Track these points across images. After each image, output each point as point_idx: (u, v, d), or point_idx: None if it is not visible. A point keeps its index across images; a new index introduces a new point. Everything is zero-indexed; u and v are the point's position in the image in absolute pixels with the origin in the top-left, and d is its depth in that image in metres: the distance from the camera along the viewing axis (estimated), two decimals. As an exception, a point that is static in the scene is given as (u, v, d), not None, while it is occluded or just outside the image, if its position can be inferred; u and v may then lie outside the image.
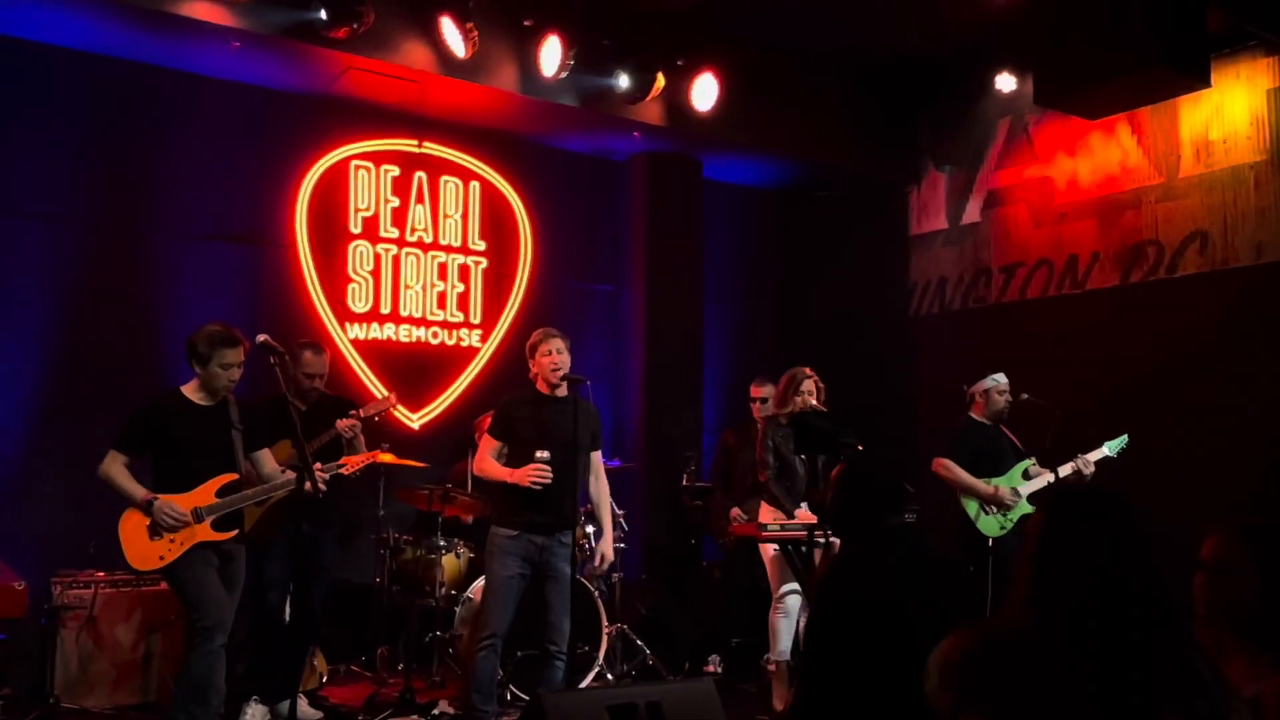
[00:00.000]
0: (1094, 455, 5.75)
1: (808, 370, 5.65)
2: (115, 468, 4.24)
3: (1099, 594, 1.76)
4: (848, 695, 2.78)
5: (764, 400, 6.39)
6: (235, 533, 4.33)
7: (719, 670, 6.36)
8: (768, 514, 5.50)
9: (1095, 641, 1.73)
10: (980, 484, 5.67)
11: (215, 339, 4.26)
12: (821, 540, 5.21)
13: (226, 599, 4.27)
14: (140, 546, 4.18)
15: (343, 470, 4.72)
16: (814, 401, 5.58)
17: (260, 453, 4.51)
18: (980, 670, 1.78)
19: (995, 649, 1.79)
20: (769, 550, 5.51)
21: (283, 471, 4.55)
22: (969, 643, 1.82)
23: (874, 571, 2.92)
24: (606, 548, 5.02)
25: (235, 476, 4.34)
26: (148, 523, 4.18)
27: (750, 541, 5.62)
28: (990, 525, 5.68)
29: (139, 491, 4.20)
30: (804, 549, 5.16)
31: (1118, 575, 1.77)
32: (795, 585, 5.41)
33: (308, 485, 4.17)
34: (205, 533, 4.23)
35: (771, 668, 5.53)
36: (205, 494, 4.25)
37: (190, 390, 4.35)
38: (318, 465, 4.44)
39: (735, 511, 6.24)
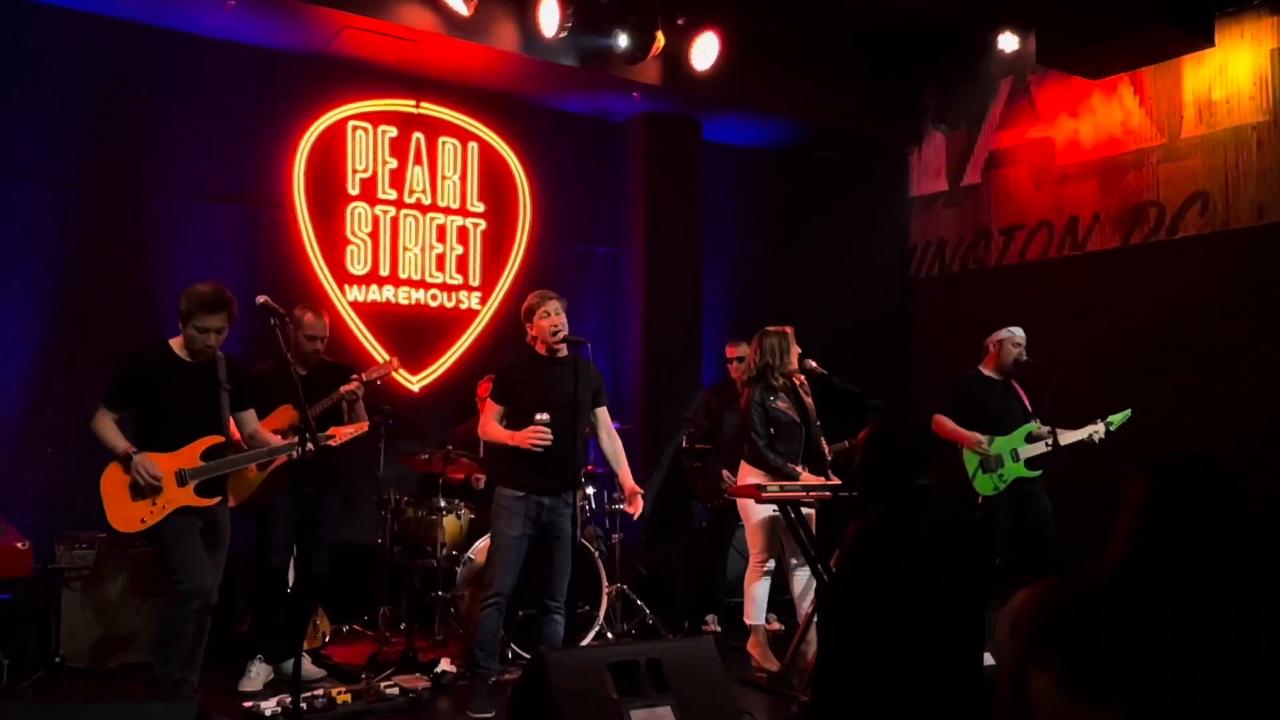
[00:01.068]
0: (1088, 430, 5.73)
1: (786, 329, 5.61)
2: (104, 423, 4.19)
3: (1197, 558, 1.79)
4: (880, 656, 2.81)
5: (741, 360, 6.48)
6: (218, 500, 4.28)
7: (718, 629, 6.43)
8: (757, 478, 5.42)
9: (1185, 603, 1.76)
10: (971, 435, 5.68)
11: (195, 301, 4.17)
12: (813, 502, 5.25)
13: (208, 564, 4.23)
14: (122, 507, 4.14)
15: (330, 442, 4.62)
16: (813, 363, 5.59)
17: (245, 413, 4.44)
18: (1054, 623, 1.80)
19: (1073, 603, 1.82)
20: (753, 516, 5.50)
21: (285, 436, 4.55)
22: (1045, 595, 1.85)
23: (907, 533, 2.94)
24: (636, 496, 4.91)
25: (220, 439, 4.29)
26: (129, 481, 4.13)
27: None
28: (985, 484, 5.72)
29: (121, 444, 4.16)
30: (800, 510, 5.18)
31: (1217, 542, 1.80)
32: (773, 559, 5.47)
33: (308, 448, 4.14)
34: (188, 497, 4.18)
35: (755, 635, 5.57)
36: (190, 456, 4.20)
37: (178, 345, 4.29)
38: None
39: (726, 474, 6.25)
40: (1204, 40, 6.23)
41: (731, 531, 6.53)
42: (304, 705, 4.12)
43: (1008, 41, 7.25)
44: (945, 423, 5.76)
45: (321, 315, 5.25)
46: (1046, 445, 5.71)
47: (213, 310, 4.17)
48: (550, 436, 4.61)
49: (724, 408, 6.62)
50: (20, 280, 5.81)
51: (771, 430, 5.43)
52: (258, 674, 5.04)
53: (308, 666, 5.11)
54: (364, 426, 4.87)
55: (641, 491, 4.99)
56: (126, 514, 4.15)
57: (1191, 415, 6.25)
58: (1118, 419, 5.78)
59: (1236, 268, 6.35)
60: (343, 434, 4.71)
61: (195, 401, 4.26)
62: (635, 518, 5.08)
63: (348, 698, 4.58)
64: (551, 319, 4.75)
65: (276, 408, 4.83)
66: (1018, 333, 5.88)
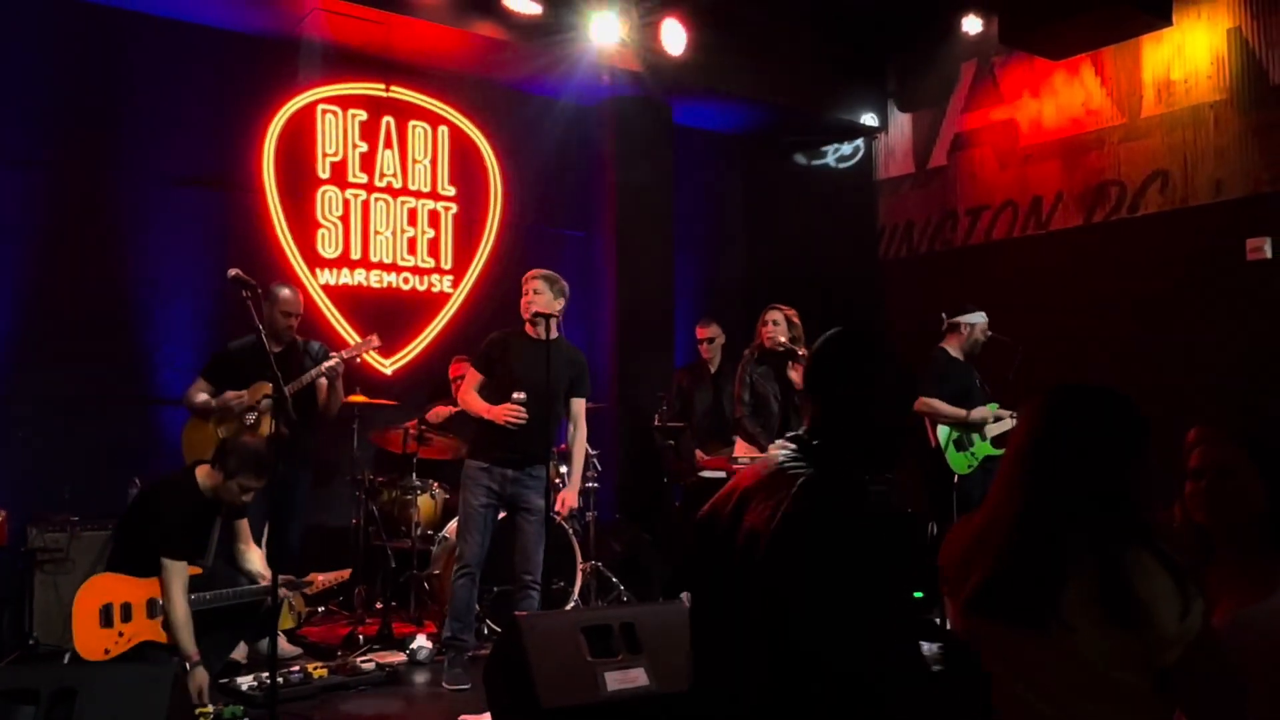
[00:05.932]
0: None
1: (778, 305, 5.75)
2: (179, 609, 4.10)
3: (1088, 488, 1.77)
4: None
5: (712, 341, 6.71)
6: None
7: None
8: (743, 450, 5.56)
9: (1073, 535, 1.75)
10: (959, 412, 5.74)
11: (249, 460, 4.21)
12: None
13: None
14: (90, 632, 4.03)
15: (308, 590, 4.65)
16: (782, 338, 5.66)
17: (237, 523, 4.46)
18: (956, 556, 1.86)
19: (970, 536, 1.87)
20: None
21: (259, 409, 4.54)
22: (951, 533, 1.94)
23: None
24: (570, 495, 5.03)
25: (198, 571, 4.23)
26: (101, 605, 4.09)
27: (716, 481, 5.70)
28: (959, 461, 5.78)
29: (191, 647, 4.05)
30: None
31: (1109, 472, 1.78)
32: None
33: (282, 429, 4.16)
34: (155, 631, 4.09)
35: None
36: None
37: (202, 479, 4.32)
38: None
39: (699, 453, 6.32)
40: (1162, 20, 6.35)
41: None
42: (280, 680, 4.14)
43: (971, 24, 7.36)
44: (932, 404, 5.76)
45: (296, 291, 5.30)
46: (1012, 419, 5.79)
47: (261, 475, 4.20)
48: (525, 416, 4.64)
49: (695, 387, 6.69)
50: (-11, 264, 5.78)
51: (752, 401, 5.55)
52: (236, 653, 5.04)
53: (284, 645, 5.11)
54: (344, 576, 4.81)
55: (574, 506, 5.11)
56: (93, 641, 4.04)
57: (1153, 387, 6.35)
58: None
59: (1195, 243, 6.48)
60: (321, 582, 4.67)
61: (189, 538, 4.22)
62: (558, 516, 5.11)
63: (324, 672, 4.61)
64: (527, 296, 4.79)
65: (251, 384, 4.83)
66: (983, 318, 5.96)
